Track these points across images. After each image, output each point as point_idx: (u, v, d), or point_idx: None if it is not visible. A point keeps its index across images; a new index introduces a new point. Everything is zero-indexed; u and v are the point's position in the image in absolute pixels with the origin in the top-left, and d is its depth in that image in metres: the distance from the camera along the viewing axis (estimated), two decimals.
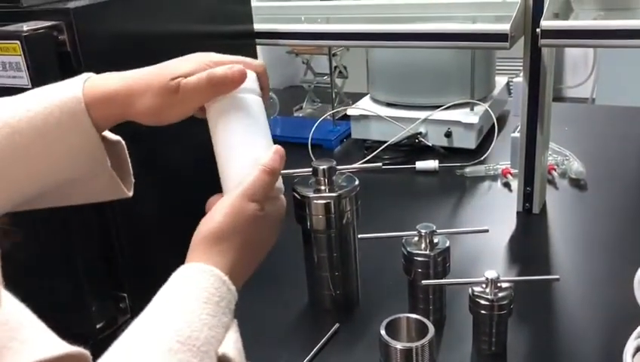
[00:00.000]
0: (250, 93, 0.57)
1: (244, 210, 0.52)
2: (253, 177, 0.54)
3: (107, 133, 0.57)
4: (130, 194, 0.60)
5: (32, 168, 0.53)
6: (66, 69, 0.68)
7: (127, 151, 0.60)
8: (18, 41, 0.63)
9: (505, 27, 0.88)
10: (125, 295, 0.79)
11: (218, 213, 0.52)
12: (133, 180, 0.60)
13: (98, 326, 0.77)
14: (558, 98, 3.41)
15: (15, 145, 0.51)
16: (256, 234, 0.54)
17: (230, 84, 0.54)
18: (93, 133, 0.52)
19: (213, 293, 0.47)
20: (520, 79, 0.99)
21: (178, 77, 0.53)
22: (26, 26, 0.64)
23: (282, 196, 0.58)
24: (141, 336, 0.43)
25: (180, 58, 0.56)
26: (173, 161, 0.85)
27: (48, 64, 0.66)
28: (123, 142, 0.60)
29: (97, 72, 0.67)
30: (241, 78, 0.54)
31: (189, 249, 0.52)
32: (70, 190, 0.57)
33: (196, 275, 0.48)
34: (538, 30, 0.85)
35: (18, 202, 0.54)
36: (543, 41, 0.85)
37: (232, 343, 0.46)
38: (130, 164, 0.60)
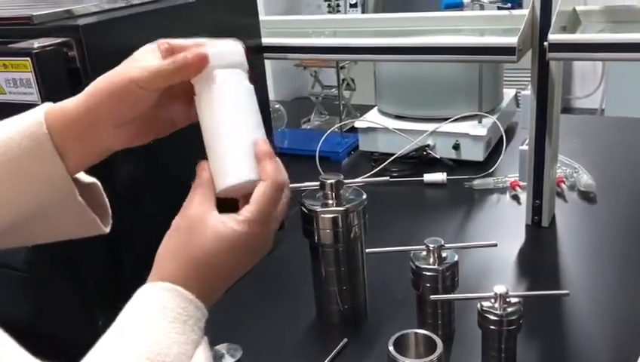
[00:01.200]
0: (237, 67, 0.53)
1: (231, 235, 0.50)
2: (256, 199, 0.50)
3: (80, 175, 0.56)
4: (107, 230, 0.58)
5: None
6: (76, 85, 0.68)
7: (103, 191, 0.59)
8: (28, 58, 0.64)
9: (512, 40, 0.88)
10: None
11: (201, 234, 0.50)
12: (111, 221, 0.59)
13: None
14: (567, 109, 3.40)
15: None
16: (239, 258, 0.51)
17: (189, 70, 0.51)
18: (57, 159, 0.51)
19: (180, 313, 0.46)
20: (528, 92, 0.99)
21: (134, 75, 0.50)
22: (36, 43, 0.65)
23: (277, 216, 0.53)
24: (110, 355, 0.43)
25: (135, 53, 0.53)
26: (181, 172, 0.85)
27: (59, 80, 0.67)
28: (98, 183, 0.59)
29: None
30: (201, 63, 0.51)
31: (158, 256, 0.51)
32: (37, 225, 0.55)
33: (161, 294, 0.47)
34: (546, 44, 0.85)
35: None
36: (550, 55, 0.85)
37: (201, 359, 0.46)
38: (107, 203, 0.59)
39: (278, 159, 0.54)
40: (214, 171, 0.52)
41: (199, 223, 0.50)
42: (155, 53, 0.53)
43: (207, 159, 0.54)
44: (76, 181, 0.55)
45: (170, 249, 0.51)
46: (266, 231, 0.51)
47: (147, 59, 0.52)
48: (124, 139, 0.54)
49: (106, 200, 0.59)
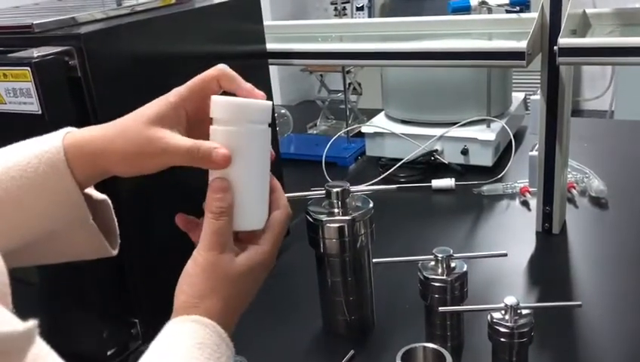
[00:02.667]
0: (262, 124, 0.53)
1: (257, 266, 0.53)
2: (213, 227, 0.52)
3: (92, 192, 0.56)
4: (115, 253, 0.58)
5: (8, 222, 0.51)
6: (76, 94, 0.68)
7: (113, 210, 0.58)
8: (28, 68, 0.63)
9: (522, 45, 0.87)
10: (137, 321, 0.78)
11: (233, 271, 0.52)
12: (119, 241, 0.59)
13: (109, 353, 0.76)
14: (576, 111, 3.37)
15: None
16: (259, 283, 0.55)
17: (209, 165, 0.52)
18: (73, 184, 0.51)
19: (215, 350, 0.47)
20: (538, 97, 0.97)
21: (154, 121, 0.51)
22: (36, 52, 0.64)
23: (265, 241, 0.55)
24: None
25: (160, 98, 0.53)
26: (186, 185, 0.84)
27: (59, 90, 0.66)
28: (109, 201, 0.58)
29: (110, 95, 0.67)
30: (224, 164, 0.51)
31: (183, 289, 0.53)
32: (48, 246, 0.55)
33: (200, 330, 0.48)
34: (556, 48, 0.83)
35: None
36: (560, 59, 0.84)
37: None
38: (116, 223, 0.59)
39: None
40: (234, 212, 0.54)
41: (225, 262, 0.52)
42: (182, 116, 0.53)
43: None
44: (88, 198, 0.54)
45: (203, 287, 0.51)
46: (275, 254, 0.55)
47: (173, 124, 0.52)
48: (125, 168, 0.53)
49: (115, 222, 0.59)
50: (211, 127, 0.52)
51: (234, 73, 0.54)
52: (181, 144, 0.50)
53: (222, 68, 0.53)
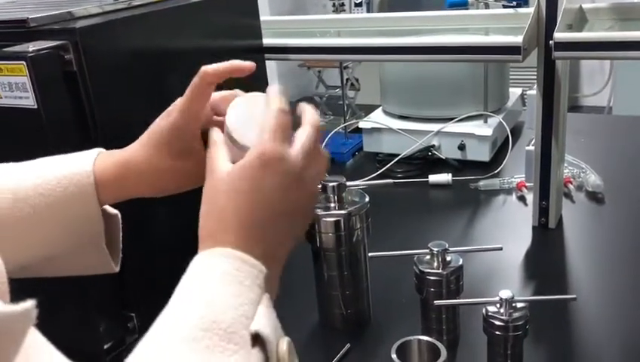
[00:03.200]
0: None
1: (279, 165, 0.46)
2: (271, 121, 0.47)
3: (107, 207, 0.57)
4: (117, 269, 0.59)
5: (31, 237, 0.53)
6: (72, 89, 0.68)
7: (120, 226, 0.60)
8: (24, 62, 0.63)
9: (517, 40, 0.87)
10: (133, 315, 0.78)
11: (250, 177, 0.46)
12: (121, 255, 0.60)
13: (106, 347, 0.76)
14: (574, 107, 3.37)
15: (19, 212, 0.51)
16: (264, 180, 0.47)
17: None
18: (97, 209, 0.53)
19: (235, 274, 0.44)
20: (534, 91, 0.97)
21: (175, 153, 0.54)
22: (31, 47, 0.64)
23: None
24: (165, 332, 0.42)
25: (169, 121, 0.54)
26: None
27: (54, 84, 0.66)
28: (119, 216, 0.59)
29: (106, 90, 0.67)
30: None
31: (202, 218, 0.49)
32: (58, 263, 0.56)
33: (213, 260, 0.45)
34: (551, 42, 0.83)
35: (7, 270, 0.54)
36: (556, 54, 0.84)
37: (263, 319, 0.44)
38: (120, 240, 0.60)
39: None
40: None
41: (219, 176, 0.48)
42: (192, 128, 0.54)
43: None
44: (103, 213, 0.56)
45: (202, 213, 0.49)
46: (309, 169, 0.48)
47: (189, 141, 0.54)
48: (154, 193, 0.57)
49: (120, 238, 0.60)
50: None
51: (215, 66, 0.54)
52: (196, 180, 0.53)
53: (203, 70, 0.54)
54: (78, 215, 0.53)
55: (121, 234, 0.60)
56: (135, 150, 0.55)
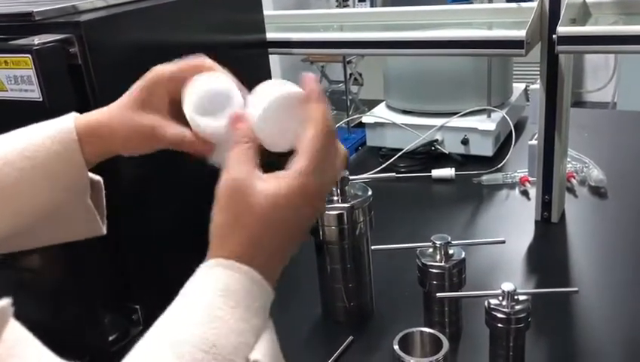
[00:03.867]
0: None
1: (284, 192, 0.44)
2: (307, 144, 0.45)
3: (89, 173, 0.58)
4: (105, 231, 0.60)
5: (19, 201, 0.53)
6: (77, 82, 0.68)
7: (103, 190, 0.60)
8: (29, 55, 0.63)
9: (521, 34, 0.87)
10: (138, 307, 0.79)
11: (254, 199, 0.44)
12: (106, 221, 0.60)
13: (110, 339, 0.76)
14: (578, 102, 3.36)
15: (6, 177, 0.52)
16: (298, 213, 0.45)
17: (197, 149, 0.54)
18: (82, 163, 0.54)
19: (244, 296, 0.42)
20: (537, 86, 0.97)
21: (139, 107, 0.54)
22: (36, 40, 0.65)
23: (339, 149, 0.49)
24: (163, 345, 0.40)
25: (144, 80, 0.56)
26: (185, 171, 0.85)
27: (60, 77, 0.66)
28: (102, 182, 0.60)
29: (110, 83, 0.68)
30: (208, 153, 0.54)
31: (212, 231, 0.45)
32: (46, 226, 0.56)
33: (224, 275, 0.42)
34: (555, 36, 0.83)
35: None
36: (559, 48, 0.84)
37: (264, 347, 0.42)
38: (105, 204, 0.60)
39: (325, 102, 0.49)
40: None
41: (248, 187, 0.44)
42: (164, 95, 0.55)
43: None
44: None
45: (225, 223, 0.45)
46: (319, 183, 0.46)
47: (158, 105, 0.55)
48: (131, 150, 0.57)
49: (104, 200, 0.60)
50: None
51: (212, 63, 0.56)
52: (169, 134, 0.54)
53: (203, 58, 0.56)
54: (64, 172, 0.54)
55: (104, 199, 0.60)
56: (109, 111, 0.56)
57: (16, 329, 0.34)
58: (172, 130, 0.54)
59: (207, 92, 0.53)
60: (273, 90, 0.49)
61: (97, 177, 0.59)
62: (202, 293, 0.42)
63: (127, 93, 0.56)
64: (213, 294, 0.42)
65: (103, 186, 0.60)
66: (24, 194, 0.53)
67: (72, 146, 0.53)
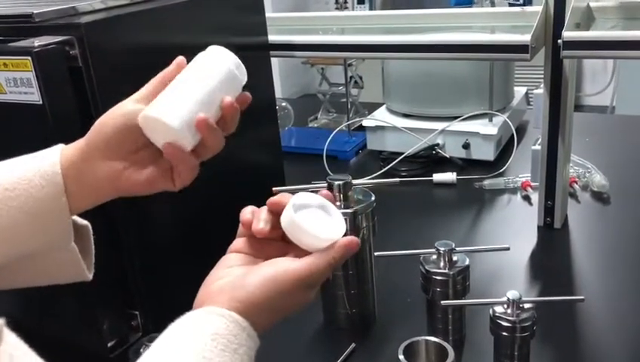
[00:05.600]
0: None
1: (291, 293, 0.49)
2: (316, 266, 0.50)
3: (75, 217, 0.56)
4: (91, 277, 0.58)
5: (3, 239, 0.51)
6: (77, 84, 0.67)
7: (92, 237, 0.59)
8: (29, 57, 0.62)
9: (525, 38, 0.86)
10: (137, 313, 0.78)
11: (257, 284, 0.48)
12: (94, 269, 0.59)
13: (109, 345, 0.76)
14: (577, 106, 3.35)
15: None
16: (293, 302, 0.51)
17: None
18: (64, 202, 0.52)
19: (232, 341, 0.44)
20: (540, 91, 0.97)
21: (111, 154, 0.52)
22: (37, 42, 0.64)
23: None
24: None
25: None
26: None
27: (60, 80, 0.65)
28: (90, 227, 0.59)
29: (111, 86, 0.66)
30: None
31: (202, 294, 0.49)
32: (25, 267, 0.55)
33: (213, 319, 0.45)
34: (560, 41, 0.83)
35: None
36: (565, 53, 0.83)
37: None
38: (93, 248, 0.59)
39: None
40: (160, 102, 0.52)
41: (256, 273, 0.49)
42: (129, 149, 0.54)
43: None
44: (73, 223, 0.55)
45: (224, 285, 0.49)
46: (319, 282, 0.52)
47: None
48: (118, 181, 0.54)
49: (93, 245, 0.59)
50: None
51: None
52: (138, 185, 0.54)
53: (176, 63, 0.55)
54: (45, 207, 0.52)
55: (93, 245, 0.59)
56: (89, 149, 0.53)
57: (12, 345, 0.33)
58: (137, 181, 0.54)
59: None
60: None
61: (84, 222, 0.58)
62: (190, 335, 0.44)
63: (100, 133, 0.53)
64: (201, 335, 0.44)
65: (90, 231, 0.59)
66: (5, 227, 0.51)
67: (56, 180, 0.51)
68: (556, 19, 0.89)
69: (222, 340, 0.44)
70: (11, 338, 0.33)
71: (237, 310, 0.46)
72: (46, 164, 0.52)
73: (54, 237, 0.53)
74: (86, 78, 0.67)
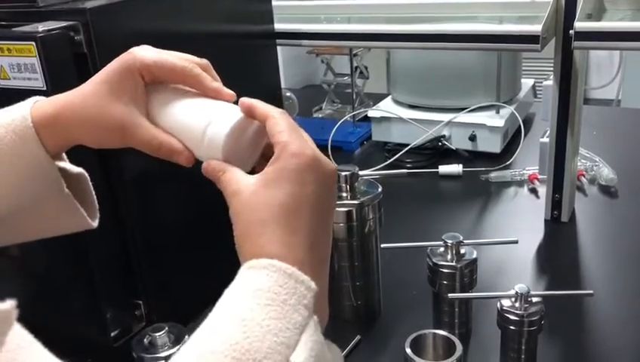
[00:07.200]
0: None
1: (289, 163, 0.43)
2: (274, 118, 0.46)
3: (67, 165, 0.55)
4: (95, 224, 0.56)
5: None
6: (82, 71, 0.66)
7: (90, 183, 0.57)
8: (33, 42, 0.61)
9: (536, 28, 0.85)
10: (141, 302, 0.77)
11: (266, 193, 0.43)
12: (99, 214, 0.57)
13: (113, 334, 0.75)
14: (583, 99, 3.34)
15: None
16: (298, 186, 0.44)
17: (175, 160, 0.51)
18: (42, 152, 0.50)
19: (278, 292, 0.39)
20: (549, 82, 0.96)
21: (112, 94, 0.49)
22: (41, 27, 0.62)
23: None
24: (196, 356, 0.38)
25: (119, 63, 0.51)
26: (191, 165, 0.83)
27: (64, 65, 0.64)
28: (86, 174, 0.57)
29: None
30: (188, 164, 0.50)
31: (237, 242, 0.44)
32: (23, 222, 0.53)
33: (255, 275, 0.40)
34: (571, 32, 0.81)
35: None
36: (576, 44, 0.82)
37: (307, 350, 0.38)
38: (94, 195, 0.57)
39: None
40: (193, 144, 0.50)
41: (246, 184, 0.44)
42: (139, 84, 0.50)
43: None
44: (64, 172, 0.53)
45: (253, 223, 0.43)
46: (310, 150, 0.45)
47: (130, 95, 0.50)
48: (96, 143, 0.52)
49: (93, 192, 0.57)
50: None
51: (201, 74, 0.51)
52: (142, 137, 0.50)
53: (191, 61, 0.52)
54: (24, 163, 0.50)
55: (92, 190, 0.57)
56: (72, 92, 0.51)
57: (18, 334, 0.32)
58: (145, 133, 0.50)
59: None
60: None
61: (79, 169, 0.56)
62: (235, 297, 0.40)
63: (95, 77, 0.51)
64: (242, 293, 0.40)
65: (87, 178, 0.57)
66: None
67: (29, 134, 0.49)
68: (567, 9, 0.87)
69: (265, 295, 0.39)
70: (16, 328, 0.32)
71: (276, 255, 0.41)
72: (16, 117, 0.50)
73: (43, 186, 0.51)
74: (91, 64, 0.66)
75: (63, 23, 0.64)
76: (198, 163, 0.52)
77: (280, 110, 0.48)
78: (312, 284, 0.41)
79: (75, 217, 0.55)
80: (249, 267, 0.41)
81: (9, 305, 0.31)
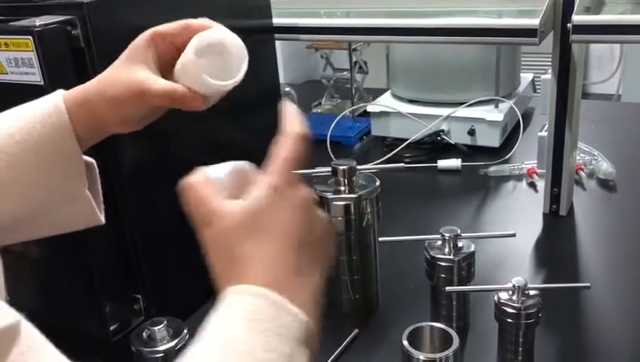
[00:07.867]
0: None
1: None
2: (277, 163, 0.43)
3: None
4: (103, 220, 0.58)
5: (12, 189, 0.51)
6: (79, 65, 0.66)
7: (98, 175, 0.58)
8: (30, 37, 0.61)
9: (534, 22, 0.85)
10: (140, 296, 0.78)
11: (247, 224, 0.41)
12: (104, 207, 0.58)
13: (111, 329, 0.75)
14: (583, 94, 3.33)
15: None
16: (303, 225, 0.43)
17: (185, 107, 0.53)
18: (75, 146, 0.52)
19: (264, 320, 0.38)
20: (548, 76, 0.95)
21: (129, 59, 0.54)
22: (38, 21, 0.63)
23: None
24: None
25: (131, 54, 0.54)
26: (190, 160, 0.83)
27: (62, 60, 0.64)
28: (95, 165, 0.58)
29: None
30: (200, 107, 0.54)
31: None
32: (44, 216, 0.54)
33: (241, 299, 0.39)
34: (569, 25, 0.81)
35: None
36: (574, 37, 0.82)
37: None
38: (100, 190, 0.58)
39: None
40: None
41: (226, 215, 0.42)
42: (154, 53, 0.54)
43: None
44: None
45: (231, 252, 0.42)
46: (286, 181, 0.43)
47: (146, 60, 0.54)
48: (121, 117, 0.54)
49: (100, 187, 0.58)
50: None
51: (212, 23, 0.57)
52: (159, 86, 0.52)
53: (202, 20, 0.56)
54: (56, 158, 0.52)
55: (100, 185, 0.58)
56: (100, 78, 0.55)
57: (29, 336, 0.32)
58: (161, 83, 0.52)
59: (210, 40, 0.54)
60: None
61: (90, 159, 0.57)
62: (220, 322, 0.39)
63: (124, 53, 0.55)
64: (230, 320, 0.38)
65: (97, 170, 0.58)
66: (18, 180, 0.51)
67: (65, 129, 0.51)
68: (566, 2, 0.87)
69: (254, 324, 0.38)
70: (28, 328, 0.32)
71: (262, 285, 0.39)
72: (52, 111, 0.52)
73: (67, 177, 0.53)
74: (88, 58, 0.66)
75: (60, 18, 0.64)
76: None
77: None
78: (302, 316, 0.40)
79: (88, 212, 0.56)
80: (237, 291, 0.40)
81: (13, 319, 0.31)
